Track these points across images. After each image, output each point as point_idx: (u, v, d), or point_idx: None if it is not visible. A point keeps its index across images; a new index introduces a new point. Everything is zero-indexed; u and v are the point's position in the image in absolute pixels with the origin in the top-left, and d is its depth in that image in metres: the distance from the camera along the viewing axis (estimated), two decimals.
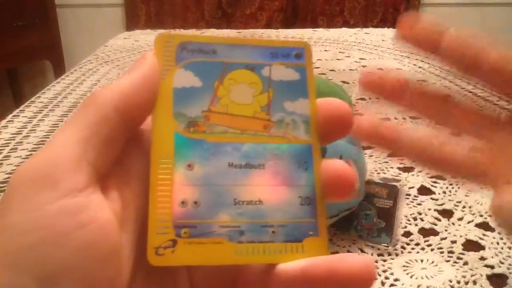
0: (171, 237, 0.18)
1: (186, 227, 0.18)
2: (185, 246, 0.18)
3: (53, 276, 0.16)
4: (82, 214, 0.17)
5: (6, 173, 0.60)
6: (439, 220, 0.51)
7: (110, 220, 0.17)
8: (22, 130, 0.75)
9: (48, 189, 0.16)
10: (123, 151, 0.19)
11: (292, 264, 0.19)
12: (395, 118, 0.83)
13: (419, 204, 0.55)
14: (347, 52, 1.32)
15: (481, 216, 0.52)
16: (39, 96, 0.90)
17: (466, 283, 0.41)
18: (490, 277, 0.42)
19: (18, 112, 0.82)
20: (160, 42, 0.21)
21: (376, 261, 0.44)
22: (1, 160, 0.64)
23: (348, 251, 0.46)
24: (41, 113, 0.82)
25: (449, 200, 0.55)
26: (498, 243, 0.47)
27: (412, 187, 0.58)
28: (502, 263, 0.44)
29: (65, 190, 0.17)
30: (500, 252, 0.46)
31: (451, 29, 0.21)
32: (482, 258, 0.45)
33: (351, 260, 0.18)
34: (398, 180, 0.48)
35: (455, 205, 0.54)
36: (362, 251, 0.46)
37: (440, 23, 0.21)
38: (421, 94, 0.23)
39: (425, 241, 0.48)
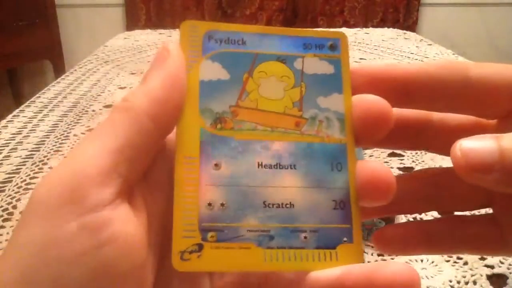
0: (197, 241, 0.17)
1: (213, 231, 0.17)
2: (212, 250, 0.17)
3: None
4: (105, 231, 0.16)
5: (6, 173, 0.60)
6: None
7: (136, 235, 0.16)
8: (22, 130, 0.74)
9: (71, 204, 0.16)
10: None
11: (325, 272, 0.17)
12: None
13: None
14: None
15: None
16: (39, 96, 0.90)
17: (466, 283, 0.41)
18: (490, 277, 0.42)
19: (18, 112, 0.82)
20: (185, 30, 0.19)
21: (376, 261, 0.44)
22: (1, 160, 0.64)
23: None
24: (41, 113, 0.82)
25: None
26: None
27: None
28: (502, 263, 0.44)
29: (90, 205, 0.16)
30: None
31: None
32: (482, 258, 0.45)
33: (393, 268, 0.16)
34: None
35: None
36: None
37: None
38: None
39: None
